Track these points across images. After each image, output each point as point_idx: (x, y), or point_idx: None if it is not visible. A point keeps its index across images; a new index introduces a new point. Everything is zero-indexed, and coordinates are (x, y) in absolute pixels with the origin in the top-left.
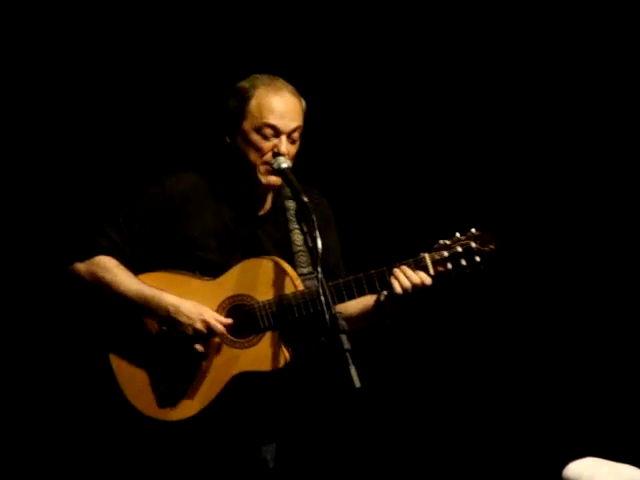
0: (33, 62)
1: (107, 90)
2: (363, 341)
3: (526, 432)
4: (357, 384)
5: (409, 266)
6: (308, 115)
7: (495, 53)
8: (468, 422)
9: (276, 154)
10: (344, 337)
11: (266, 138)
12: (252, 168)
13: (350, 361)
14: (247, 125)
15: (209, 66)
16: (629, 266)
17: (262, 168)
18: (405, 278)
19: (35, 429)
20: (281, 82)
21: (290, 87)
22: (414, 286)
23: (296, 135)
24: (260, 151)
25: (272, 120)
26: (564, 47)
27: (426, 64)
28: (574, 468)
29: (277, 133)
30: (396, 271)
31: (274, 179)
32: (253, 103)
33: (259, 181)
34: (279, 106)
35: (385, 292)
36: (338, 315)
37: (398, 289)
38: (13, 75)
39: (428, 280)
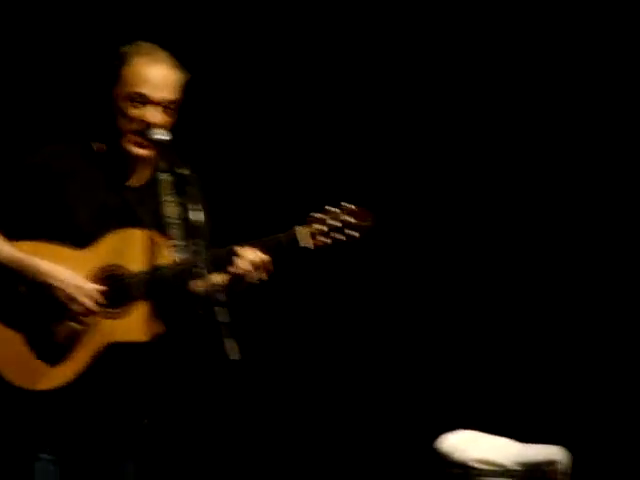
0: None
1: None
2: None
3: (401, 405)
4: (234, 357)
5: (263, 243)
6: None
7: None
8: (336, 396)
9: (149, 124)
10: (220, 309)
11: (135, 106)
12: (119, 135)
13: (226, 333)
14: (119, 90)
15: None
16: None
17: (130, 137)
18: (240, 259)
19: None
20: (163, 54)
21: (172, 60)
22: (252, 265)
23: (170, 107)
24: (128, 118)
25: (143, 89)
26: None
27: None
28: (449, 440)
29: (147, 102)
30: (236, 251)
31: (142, 151)
32: (128, 69)
33: (126, 150)
34: (154, 76)
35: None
36: (216, 287)
37: (232, 269)
38: None
39: (260, 258)
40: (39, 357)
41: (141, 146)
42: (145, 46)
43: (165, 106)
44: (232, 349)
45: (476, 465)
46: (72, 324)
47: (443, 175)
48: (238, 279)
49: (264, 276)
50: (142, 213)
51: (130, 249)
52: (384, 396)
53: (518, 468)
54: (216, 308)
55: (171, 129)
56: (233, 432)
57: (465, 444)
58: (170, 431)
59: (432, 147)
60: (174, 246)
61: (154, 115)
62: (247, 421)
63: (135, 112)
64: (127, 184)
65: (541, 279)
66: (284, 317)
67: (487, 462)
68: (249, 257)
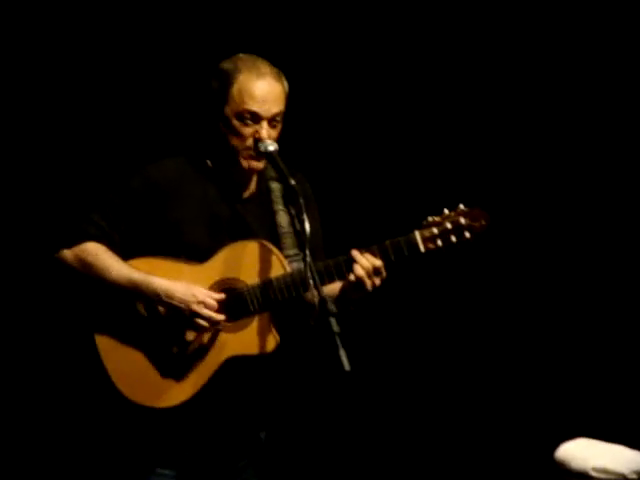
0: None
1: (90, 78)
2: (355, 325)
3: (518, 413)
4: (347, 367)
5: (368, 252)
6: (292, 97)
7: (473, 43)
8: (458, 406)
9: (257, 140)
10: (333, 320)
11: (247, 124)
12: (234, 153)
13: (340, 344)
14: (228, 110)
15: (191, 49)
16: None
17: (244, 153)
18: (358, 266)
19: (26, 418)
20: (265, 65)
21: (274, 70)
22: (367, 272)
23: (278, 118)
24: (241, 137)
25: (253, 106)
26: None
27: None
28: (566, 449)
29: (258, 119)
30: (354, 257)
31: (256, 164)
32: (235, 88)
33: (241, 166)
34: (261, 92)
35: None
36: (327, 298)
37: (351, 276)
38: None
39: (378, 263)
40: (160, 375)
41: (255, 160)
42: (247, 60)
43: (274, 119)
44: (345, 360)
45: (594, 474)
46: (195, 339)
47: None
48: (355, 286)
49: (378, 282)
50: (254, 224)
51: (245, 262)
52: (501, 403)
53: (636, 477)
54: (329, 319)
55: (278, 139)
56: (347, 442)
57: (583, 452)
58: (287, 442)
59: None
60: (287, 256)
61: (267, 131)
62: (360, 430)
63: (248, 130)
64: (237, 196)
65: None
66: (396, 324)
67: (605, 471)
68: (366, 264)
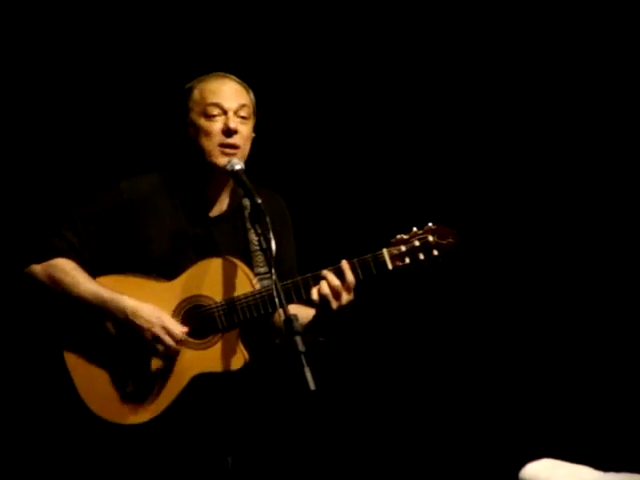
0: None
1: (63, 97)
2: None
3: (484, 432)
4: (312, 387)
5: (330, 271)
6: (264, 114)
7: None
8: (424, 422)
9: (226, 132)
10: (298, 339)
11: (214, 119)
12: (206, 154)
13: (305, 363)
14: (193, 115)
15: (166, 69)
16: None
17: (216, 151)
18: (325, 284)
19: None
20: (224, 73)
21: (235, 78)
22: (334, 291)
23: (244, 113)
24: (210, 134)
25: (215, 99)
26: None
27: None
28: (531, 469)
29: (223, 112)
30: (317, 277)
31: (227, 159)
32: (195, 93)
33: (214, 164)
34: (221, 87)
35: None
36: (292, 317)
37: (315, 296)
38: None
39: (351, 279)
40: (127, 392)
41: (227, 155)
42: (208, 74)
43: (241, 116)
44: (310, 379)
45: None
46: (159, 360)
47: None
48: (321, 307)
49: (344, 302)
50: (223, 241)
51: (211, 279)
52: (468, 425)
53: None
54: (295, 338)
55: (250, 148)
56: (317, 461)
57: (548, 472)
58: (255, 464)
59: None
60: (258, 274)
61: (235, 123)
62: (330, 448)
63: (216, 126)
64: (207, 213)
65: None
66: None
67: None
68: (334, 281)
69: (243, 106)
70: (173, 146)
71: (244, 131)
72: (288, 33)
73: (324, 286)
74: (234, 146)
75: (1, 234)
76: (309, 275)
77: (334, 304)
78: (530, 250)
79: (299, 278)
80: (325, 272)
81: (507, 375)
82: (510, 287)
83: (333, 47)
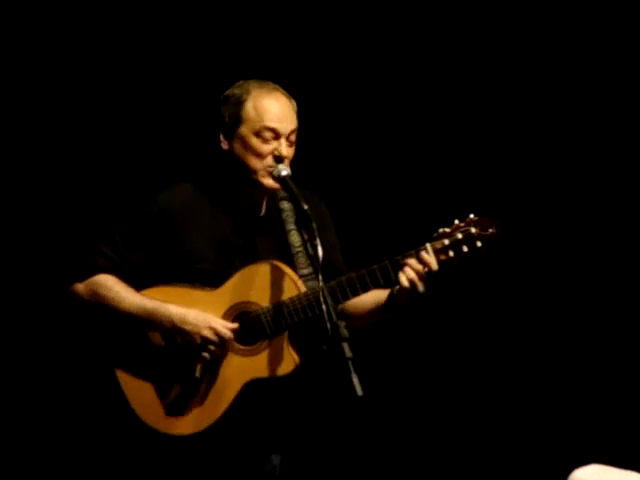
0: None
1: (99, 106)
2: (366, 348)
3: (532, 438)
4: (359, 393)
5: (411, 257)
6: (301, 114)
7: (487, 46)
8: (473, 428)
9: (277, 158)
10: (346, 345)
11: (265, 141)
12: (252, 172)
13: (352, 369)
14: (245, 130)
15: (198, 77)
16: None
17: (264, 172)
18: (410, 269)
19: (46, 449)
20: (272, 84)
21: (280, 88)
22: (420, 275)
23: (293, 137)
24: (260, 155)
25: (271, 123)
26: (564, 47)
27: (416, 58)
28: (579, 475)
29: (276, 136)
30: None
31: (274, 183)
32: (249, 106)
33: (260, 184)
34: (276, 108)
35: (397, 286)
36: (339, 323)
37: (405, 282)
38: (12, 85)
39: (434, 264)
40: (180, 402)
41: (274, 179)
42: (252, 82)
43: (290, 136)
44: (358, 385)
45: None
46: (209, 365)
47: None
48: (406, 291)
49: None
50: (265, 246)
51: (258, 284)
52: (518, 428)
53: None
54: (342, 344)
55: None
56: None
57: (595, 479)
58: (302, 466)
59: None
60: (302, 276)
61: (284, 147)
62: (374, 455)
63: (267, 148)
64: (247, 219)
65: None
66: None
67: None
68: (417, 266)
69: (294, 131)
70: (210, 153)
71: (291, 153)
72: (309, 38)
73: (409, 271)
74: None
75: (43, 254)
76: (364, 271)
77: (420, 288)
78: (533, 250)
79: (354, 274)
80: (407, 258)
81: (556, 380)
82: (530, 291)
83: (360, 51)
